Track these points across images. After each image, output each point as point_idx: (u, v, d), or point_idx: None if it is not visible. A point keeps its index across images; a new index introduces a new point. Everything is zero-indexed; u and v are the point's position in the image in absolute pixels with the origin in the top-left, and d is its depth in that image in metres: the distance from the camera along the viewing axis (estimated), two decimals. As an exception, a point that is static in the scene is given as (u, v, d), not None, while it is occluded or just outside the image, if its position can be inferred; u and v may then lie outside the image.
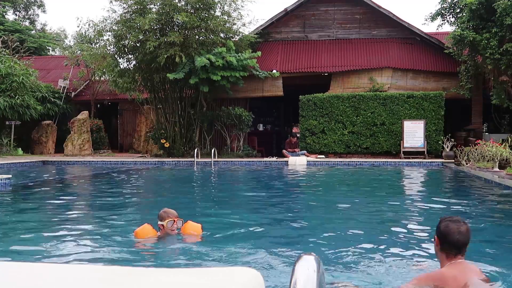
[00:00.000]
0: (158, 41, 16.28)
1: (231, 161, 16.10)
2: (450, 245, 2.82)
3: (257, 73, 17.81)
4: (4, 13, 33.40)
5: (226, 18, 17.71)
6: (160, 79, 17.99)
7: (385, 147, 17.07)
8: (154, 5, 17.37)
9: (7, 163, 14.23)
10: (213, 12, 17.49)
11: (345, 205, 7.12)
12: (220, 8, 17.72)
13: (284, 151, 17.83)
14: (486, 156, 11.27)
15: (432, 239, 3.04)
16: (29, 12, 38.64)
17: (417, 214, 6.24)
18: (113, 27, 17.73)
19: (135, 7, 17.25)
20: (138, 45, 17.42)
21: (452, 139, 15.60)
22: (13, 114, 18.72)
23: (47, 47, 33.68)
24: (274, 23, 19.97)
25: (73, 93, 23.07)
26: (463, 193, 8.80)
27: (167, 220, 4.22)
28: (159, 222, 4.28)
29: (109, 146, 21.60)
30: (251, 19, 34.67)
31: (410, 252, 4.06)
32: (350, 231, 5.11)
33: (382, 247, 4.24)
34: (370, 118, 17.09)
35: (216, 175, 12.82)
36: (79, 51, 21.67)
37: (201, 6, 17.14)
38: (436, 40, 18.89)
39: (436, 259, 3.07)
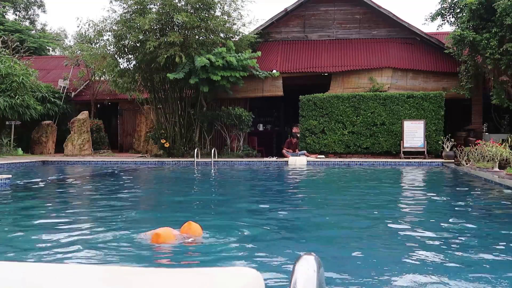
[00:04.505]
0: (158, 41, 16.28)
1: (231, 161, 16.10)
2: None
3: (257, 73, 17.81)
4: (4, 13, 33.42)
5: (226, 18, 17.71)
6: (160, 79, 17.99)
7: (385, 147, 17.07)
8: (154, 5, 17.38)
9: (7, 163, 14.23)
10: (213, 12, 17.50)
11: (345, 205, 7.12)
12: (220, 8, 17.73)
13: (284, 151, 17.84)
14: (486, 156, 11.26)
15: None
16: (29, 12, 38.67)
17: (418, 215, 6.24)
18: (113, 27, 17.73)
19: (135, 7, 17.26)
20: (138, 45, 17.43)
21: (452, 139, 15.60)
22: (13, 114, 18.72)
23: (47, 47, 33.70)
24: (274, 23, 19.97)
25: (73, 93, 23.08)
26: (463, 193, 8.80)
27: (193, 239, 4.25)
28: (185, 235, 4.27)
29: (109, 146, 21.62)
30: (251, 19, 34.68)
31: (410, 252, 4.06)
32: (350, 231, 5.11)
33: (382, 247, 4.24)
34: (370, 118, 17.10)
35: (216, 175, 12.82)
36: (79, 51, 21.67)
37: (201, 6, 17.14)
38: (436, 40, 18.90)
39: (437, 260, 3.06)
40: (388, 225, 5.36)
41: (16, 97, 18.55)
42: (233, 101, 18.75)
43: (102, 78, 22.33)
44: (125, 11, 17.52)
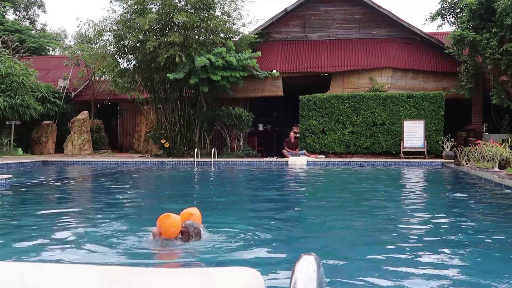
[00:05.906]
0: (158, 41, 16.29)
1: (231, 161, 16.10)
2: None
3: (257, 73, 17.81)
4: (4, 13, 33.42)
5: (226, 18, 17.72)
6: (160, 79, 17.99)
7: (385, 147, 17.07)
8: (154, 5, 17.38)
9: (7, 163, 14.22)
10: (213, 12, 17.50)
11: (345, 205, 7.12)
12: (220, 8, 17.74)
13: (284, 151, 17.85)
14: (486, 156, 11.26)
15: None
16: (29, 12, 38.67)
17: (417, 215, 6.24)
18: (113, 27, 17.74)
19: (135, 7, 17.26)
20: (138, 45, 17.43)
21: (452, 139, 15.61)
22: (13, 114, 18.72)
23: (47, 47, 33.70)
24: (274, 23, 19.97)
25: (73, 93, 23.09)
26: (463, 193, 8.80)
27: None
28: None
29: (109, 146, 21.61)
30: (251, 19, 34.71)
31: (410, 252, 4.06)
32: (350, 231, 5.11)
33: (382, 247, 4.24)
34: (370, 118, 17.10)
35: (216, 175, 12.82)
36: (79, 51, 21.68)
37: (201, 6, 17.14)
38: (436, 40, 18.90)
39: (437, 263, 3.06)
40: (388, 225, 5.36)
41: (16, 97, 18.54)
42: (233, 101, 18.74)
43: (102, 78, 22.33)
44: (125, 11, 17.53)
